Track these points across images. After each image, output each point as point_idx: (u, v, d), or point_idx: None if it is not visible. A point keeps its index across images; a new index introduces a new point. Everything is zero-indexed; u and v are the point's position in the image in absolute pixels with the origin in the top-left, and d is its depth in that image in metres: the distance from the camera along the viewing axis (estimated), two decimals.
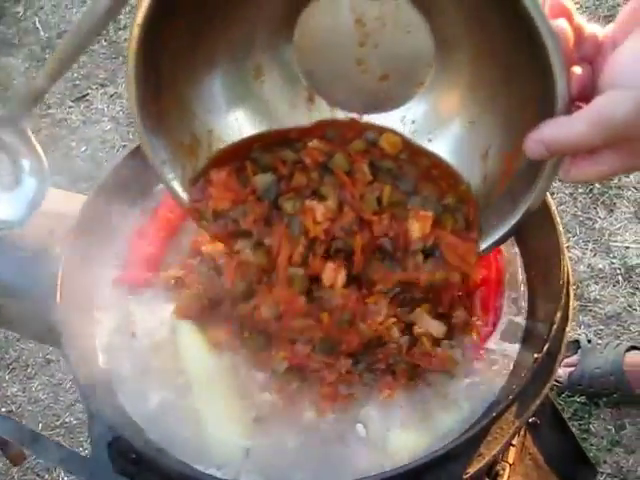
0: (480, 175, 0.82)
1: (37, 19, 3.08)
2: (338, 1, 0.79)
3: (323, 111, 0.87)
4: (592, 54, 0.67)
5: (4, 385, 2.08)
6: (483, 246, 0.82)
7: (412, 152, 0.88)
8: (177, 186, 0.84)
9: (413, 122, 0.86)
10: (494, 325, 0.92)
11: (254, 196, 0.85)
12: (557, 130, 0.64)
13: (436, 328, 0.87)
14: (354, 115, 0.87)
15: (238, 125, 0.87)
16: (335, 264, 0.84)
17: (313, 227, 0.82)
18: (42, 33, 3.02)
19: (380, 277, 0.84)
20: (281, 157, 0.86)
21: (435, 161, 0.87)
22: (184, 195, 0.84)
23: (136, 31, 0.72)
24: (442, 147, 0.86)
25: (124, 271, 1.01)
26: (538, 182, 0.73)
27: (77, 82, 2.83)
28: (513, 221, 0.78)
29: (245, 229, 0.84)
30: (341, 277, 0.84)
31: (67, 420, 2.01)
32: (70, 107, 2.76)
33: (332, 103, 0.87)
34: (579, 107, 0.66)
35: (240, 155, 0.87)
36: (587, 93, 0.66)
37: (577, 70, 0.67)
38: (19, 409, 2.04)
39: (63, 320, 0.87)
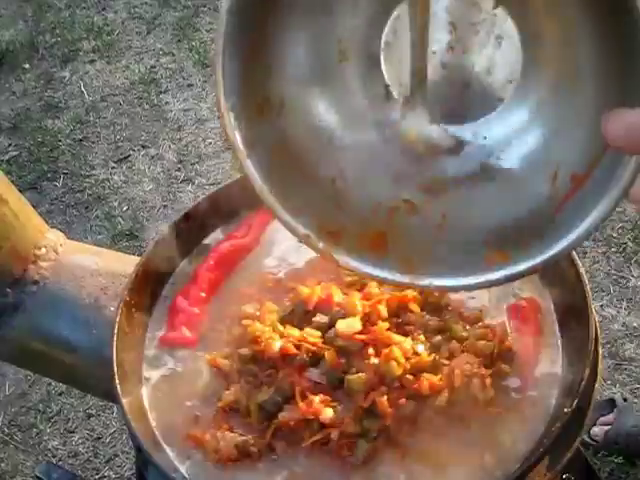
0: (546, 196, 0.80)
1: (82, 83, 3.20)
2: (436, 2, 0.77)
3: (395, 112, 0.84)
4: None
5: (45, 438, 2.12)
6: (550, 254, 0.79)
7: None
8: (238, 137, 0.79)
9: (485, 138, 0.84)
10: (531, 378, 0.95)
11: None
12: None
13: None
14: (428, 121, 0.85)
15: (310, 105, 0.85)
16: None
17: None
18: (87, 97, 3.14)
19: None
20: None
21: None
22: (235, 137, 0.79)
23: None
24: (510, 166, 0.83)
25: (168, 331, 1.05)
26: (617, 180, 0.71)
27: (120, 144, 2.92)
28: (583, 229, 0.76)
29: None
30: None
31: (106, 474, 2.03)
32: (113, 168, 2.85)
33: (408, 102, 0.84)
34: None
35: None
36: None
37: None
38: (60, 462, 2.06)
39: (118, 376, 0.91)
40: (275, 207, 0.81)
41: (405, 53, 0.82)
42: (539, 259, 0.79)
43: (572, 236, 0.77)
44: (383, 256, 0.83)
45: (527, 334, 0.99)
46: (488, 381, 0.91)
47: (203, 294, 1.08)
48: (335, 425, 0.89)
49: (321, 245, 0.82)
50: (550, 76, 0.79)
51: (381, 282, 0.91)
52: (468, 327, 0.98)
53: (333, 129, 0.85)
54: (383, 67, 0.84)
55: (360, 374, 0.91)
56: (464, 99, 0.83)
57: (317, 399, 0.90)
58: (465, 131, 0.85)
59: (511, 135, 0.83)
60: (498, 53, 0.79)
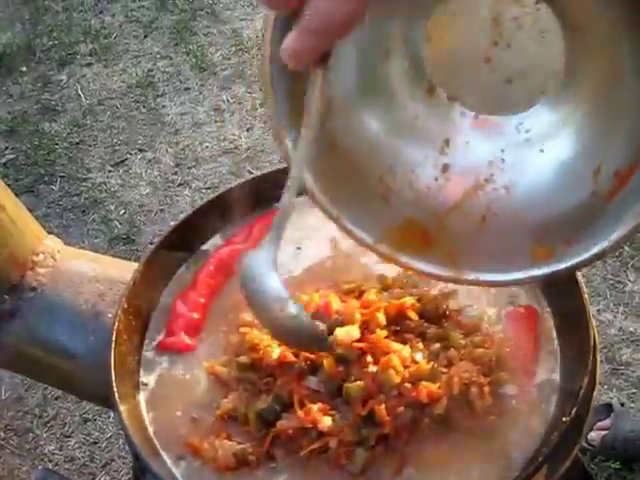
0: (588, 190, 0.80)
1: (79, 87, 3.20)
2: None
3: (440, 105, 0.85)
4: None
5: (41, 443, 2.11)
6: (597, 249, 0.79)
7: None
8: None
9: (527, 131, 0.84)
10: (529, 386, 0.95)
11: None
12: None
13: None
14: (471, 113, 0.85)
15: (356, 106, 0.85)
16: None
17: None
18: (84, 100, 3.13)
19: None
20: None
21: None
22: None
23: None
24: (552, 159, 0.84)
25: (167, 336, 1.05)
26: None
27: (116, 147, 2.92)
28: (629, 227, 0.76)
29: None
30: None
31: (102, 479, 2.03)
32: (109, 171, 2.84)
33: (452, 97, 0.85)
34: None
35: None
36: None
37: None
38: (56, 467, 2.06)
39: (116, 383, 0.91)
40: (337, 216, 0.82)
41: (449, 43, 0.82)
42: (583, 256, 0.79)
43: (614, 236, 0.77)
44: (427, 250, 0.84)
45: (525, 342, 0.99)
46: (486, 389, 0.91)
47: (202, 300, 1.08)
48: (333, 433, 0.88)
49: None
50: (592, 72, 0.79)
51: (426, 276, 0.89)
52: (465, 335, 0.99)
53: (379, 127, 0.86)
54: (426, 62, 0.83)
55: (358, 382, 0.91)
56: (507, 93, 0.83)
57: (315, 407, 0.90)
58: (509, 122, 0.85)
59: (554, 128, 0.83)
60: (541, 47, 0.79)
